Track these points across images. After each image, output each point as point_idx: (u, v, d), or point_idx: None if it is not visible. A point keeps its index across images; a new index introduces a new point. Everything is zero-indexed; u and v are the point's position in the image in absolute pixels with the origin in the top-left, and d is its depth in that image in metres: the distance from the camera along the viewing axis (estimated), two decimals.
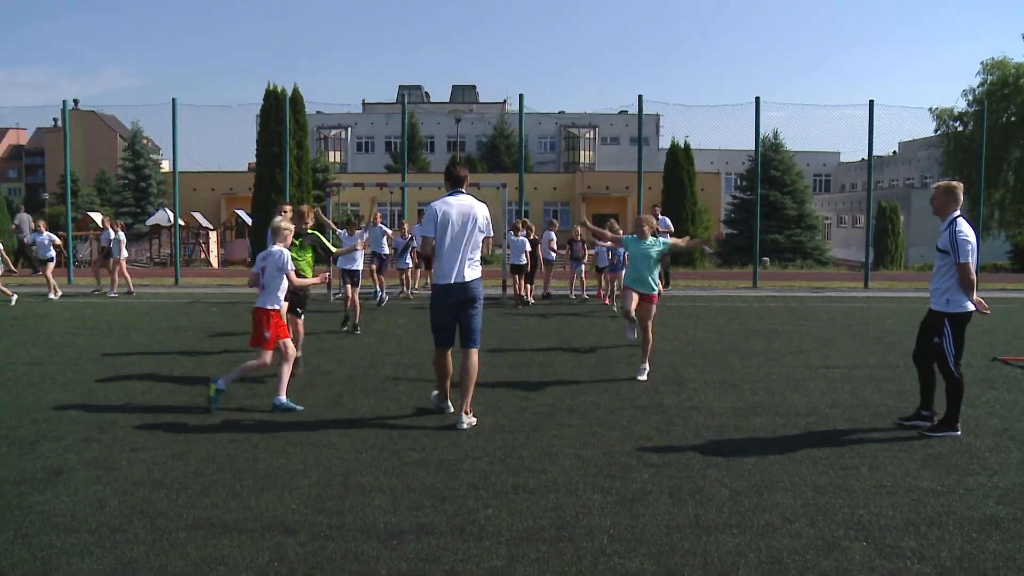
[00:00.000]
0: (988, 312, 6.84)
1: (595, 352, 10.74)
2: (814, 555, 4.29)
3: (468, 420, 6.83)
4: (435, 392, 7.39)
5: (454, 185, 7.08)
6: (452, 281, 6.81)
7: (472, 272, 6.89)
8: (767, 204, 41.62)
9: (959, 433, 6.61)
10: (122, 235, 18.42)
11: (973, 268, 6.56)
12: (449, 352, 7.05)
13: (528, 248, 16.94)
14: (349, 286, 12.68)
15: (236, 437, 6.48)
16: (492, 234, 7.16)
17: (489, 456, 6.02)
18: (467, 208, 6.90)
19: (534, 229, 17.79)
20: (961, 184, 6.83)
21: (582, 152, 66.63)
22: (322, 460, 5.89)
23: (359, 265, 13.22)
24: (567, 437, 6.56)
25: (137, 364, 9.63)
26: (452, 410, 7.11)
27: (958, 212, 6.69)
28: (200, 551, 4.29)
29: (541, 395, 8.09)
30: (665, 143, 41.44)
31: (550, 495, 5.19)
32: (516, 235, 17.06)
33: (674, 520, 4.78)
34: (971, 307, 6.61)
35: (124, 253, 18.42)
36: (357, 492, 5.22)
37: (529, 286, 17.22)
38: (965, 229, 6.57)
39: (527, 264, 16.88)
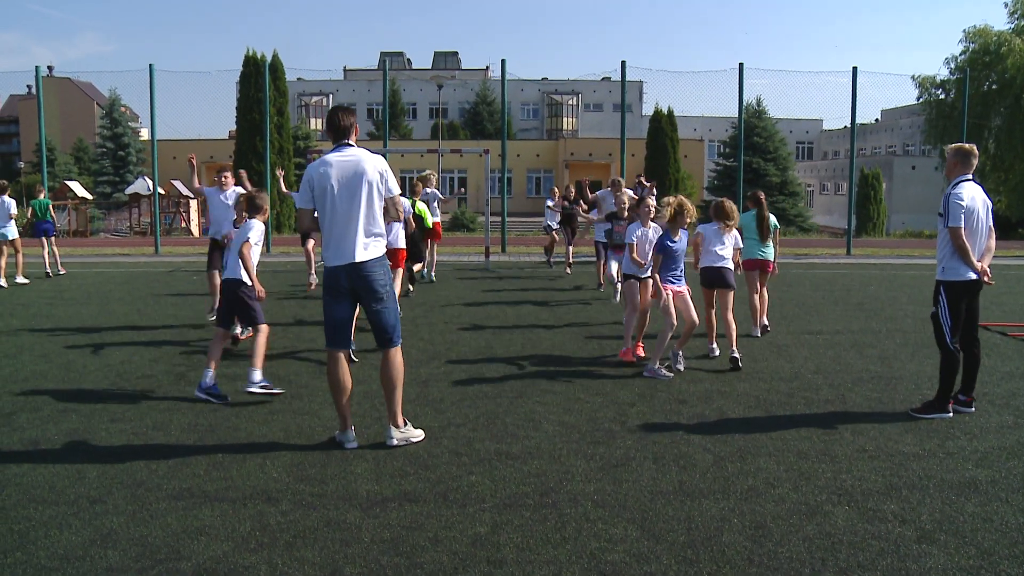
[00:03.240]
0: (991, 283, 6.32)
1: (579, 319, 10.72)
2: (797, 519, 4.31)
3: (399, 434, 5.47)
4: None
5: (337, 137, 5.42)
6: (342, 262, 5.29)
7: (370, 250, 5.30)
8: (750, 171, 41.62)
9: (950, 414, 6.21)
10: None
11: (967, 234, 6.07)
12: (343, 357, 5.48)
13: None
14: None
15: (217, 406, 6.42)
16: (395, 192, 5.47)
17: (472, 423, 6.00)
18: (352, 165, 5.29)
19: None
20: (971, 146, 6.31)
21: (565, 119, 66.39)
22: (304, 428, 5.86)
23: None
24: (550, 403, 6.55)
25: (116, 334, 9.53)
26: (355, 443, 5.45)
27: (966, 176, 6.19)
28: (181, 521, 4.25)
29: (524, 361, 8.07)
30: (648, 110, 41.35)
31: (533, 461, 5.18)
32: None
33: (658, 486, 4.78)
34: (971, 275, 6.10)
35: None
36: (339, 460, 5.19)
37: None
38: (964, 192, 6.09)
39: None
